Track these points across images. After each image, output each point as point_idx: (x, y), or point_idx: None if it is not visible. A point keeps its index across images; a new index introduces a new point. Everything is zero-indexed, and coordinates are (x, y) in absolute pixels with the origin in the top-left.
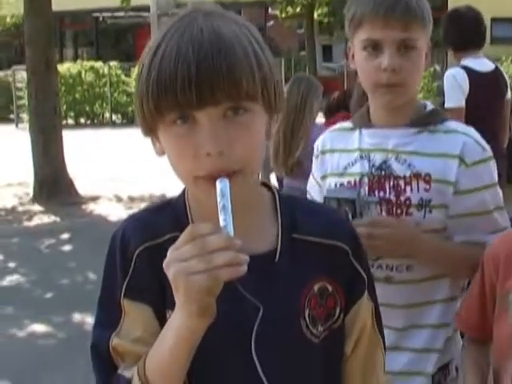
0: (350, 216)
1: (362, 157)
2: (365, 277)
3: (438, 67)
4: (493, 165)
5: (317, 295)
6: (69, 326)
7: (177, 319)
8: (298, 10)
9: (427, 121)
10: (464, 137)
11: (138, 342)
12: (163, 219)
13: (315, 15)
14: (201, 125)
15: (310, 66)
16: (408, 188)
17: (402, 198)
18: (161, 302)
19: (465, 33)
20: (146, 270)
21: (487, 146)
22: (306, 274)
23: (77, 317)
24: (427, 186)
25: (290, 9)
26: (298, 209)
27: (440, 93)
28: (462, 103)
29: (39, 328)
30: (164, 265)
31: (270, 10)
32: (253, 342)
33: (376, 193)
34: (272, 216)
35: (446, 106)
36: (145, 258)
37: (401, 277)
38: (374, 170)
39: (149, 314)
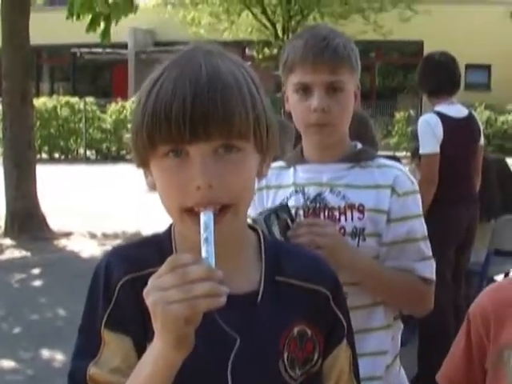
0: (289, 221)
1: (296, 191)
2: (344, 323)
3: (412, 112)
4: (419, 198)
5: (296, 338)
6: (37, 363)
7: (154, 349)
8: (275, 51)
9: (358, 158)
10: (396, 170)
11: (115, 372)
12: (148, 253)
13: (281, 55)
14: (192, 159)
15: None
16: (342, 217)
17: (337, 227)
18: (141, 334)
19: (439, 79)
20: (129, 301)
21: (415, 181)
22: (287, 316)
23: (45, 353)
24: (361, 216)
25: (266, 50)
26: (282, 252)
27: (414, 137)
28: (437, 149)
29: (6, 364)
30: (144, 293)
31: (247, 50)
32: (229, 374)
33: None
34: (256, 257)
35: (420, 151)
36: (128, 289)
37: None
38: (309, 203)
39: (128, 346)
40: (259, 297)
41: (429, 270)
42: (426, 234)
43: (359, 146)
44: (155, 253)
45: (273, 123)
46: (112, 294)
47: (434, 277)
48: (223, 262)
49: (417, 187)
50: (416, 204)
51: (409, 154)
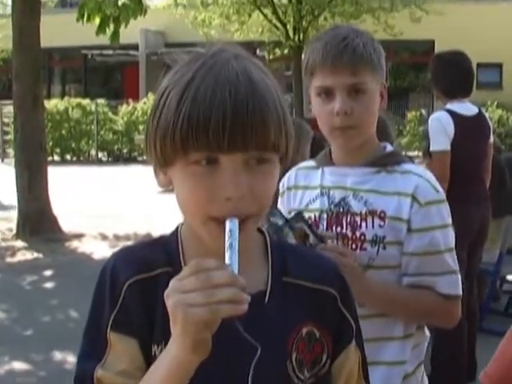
0: (306, 229)
1: (322, 193)
2: (353, 324)
3: (424, 111)
4: (445, 208)
5: (305, 339)
6: (49, 364)
7: (171, 351)
8: (286, 51)
9: (384, 162)
10: (418, 178)
11: (122, 374)
12: (155, 254)
13: (303, 57)
14: (223, 168)
15: (297, 108)
16: (363, 224)
17: (358, 233)
18: (148, 336)
19: (459, 80)
20: (135, 303)
21: (441, 189)
22: (295, 317)
23: (57, 355)
24: (382, 223)
25: (277, 51)
26: (289, 253)
27: (426, 137)
28: (448, 146)
29: (19, 365)
30: (165, 295)
31: (257, 51)
32: (250, 380)
33: (334, 228)
34: (263, 259)
35: (431, 149)
36: (134, 291)
37: None
38: (332, 207)
39: (135, 348)
40: (266, 297)
41: (451, 285)
42: (453, 245)
43: (389, 148)
44: (162, 254)
45: (292, 132)
46: (118, 296)
47: (458, 292)
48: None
49: (442, 196)
50: (440, 214)
51: (421, 153)
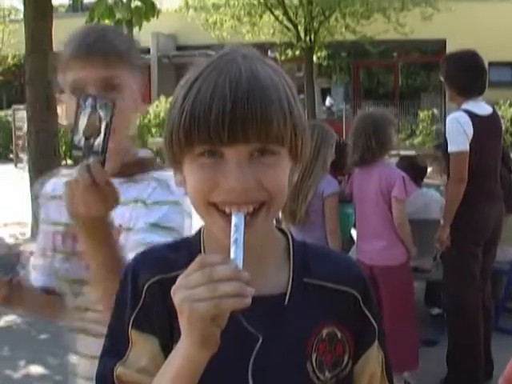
0: None
1: None
2: (375, 326)
3: (436, 111)
4: (175, 209)
5: (325, 340)
6: (65, 368)
7: (180, 348)
8: (298, 53)
9: (134, 171)
10: (154, 182)
11: (142, 372)
12: (177, 255)
13: (314, 58)
14: (227, 160)
15: (308, 109)
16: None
17: None
18: (168, 335)
19: (473, 80)
20: (156, 302)
21: (178, 192)
22: (316, 318)
23: (74, 358)
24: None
25: (289, 52)
26: (311, 254)
27: (439, 136)
28: (466, 147)
29: (35, 369)
30: (172, 291)
31: (269, 52)
32: (249, 374)
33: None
34: (284, 259)
35: (449, 149)
36: (155, 290)
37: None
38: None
39: (155, 346)
40: (287, 298)
41: None
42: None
43: (142, 154)
44: (184, 255)
45: (306, 132)
46: (139, 295)
47: None
48: (252, 264)
49: (175, 197)
50: (162, 212)
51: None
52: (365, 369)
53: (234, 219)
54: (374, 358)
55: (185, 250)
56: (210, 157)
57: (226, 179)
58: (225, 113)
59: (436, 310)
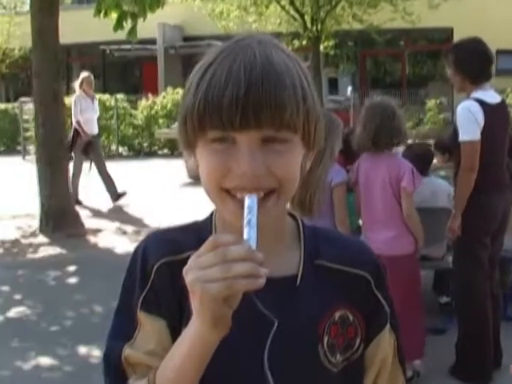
0: None
1: None
2: (387, 309)
3: (444, 99)
4: None
5: (337, 323)
6: (74, 359)
7: (191, 328)
8: (304, 42)
9: None
10: None
11: (150, 354)
12: (187, 237)
13: (321, 48)
14: (239, 146)
15: None
16: None
17: None
18: (177, 318)
19: (481, 68)
20: (165, 284)
21: None
22: (328, 300)
23: (82, 350)
24: None
25: (296, 42)
26: (322, 237)
27: (447, 124)
28: (478, 136)
29: (44, 361)
30: (183, 271)
31: None
32: (265, 357)
33: None
34: (295, 242)
35: (460, 138)
36: (164, 272)
37: None
38: None
39: (163, 328)
40: (298, 280)
41: None
42: None
43: None
44: (193, 238)
45: (320, 119)
46: (148, 277)
47: None
48: (263, 247)
49: None
50: None
51: None
52: (376, 352)
53: (247, 201)
54: (385, 341)
55: (194, 233)
56: (223, 142)
57: (237, 164)
58: (238, 98)
59: (444, 299)
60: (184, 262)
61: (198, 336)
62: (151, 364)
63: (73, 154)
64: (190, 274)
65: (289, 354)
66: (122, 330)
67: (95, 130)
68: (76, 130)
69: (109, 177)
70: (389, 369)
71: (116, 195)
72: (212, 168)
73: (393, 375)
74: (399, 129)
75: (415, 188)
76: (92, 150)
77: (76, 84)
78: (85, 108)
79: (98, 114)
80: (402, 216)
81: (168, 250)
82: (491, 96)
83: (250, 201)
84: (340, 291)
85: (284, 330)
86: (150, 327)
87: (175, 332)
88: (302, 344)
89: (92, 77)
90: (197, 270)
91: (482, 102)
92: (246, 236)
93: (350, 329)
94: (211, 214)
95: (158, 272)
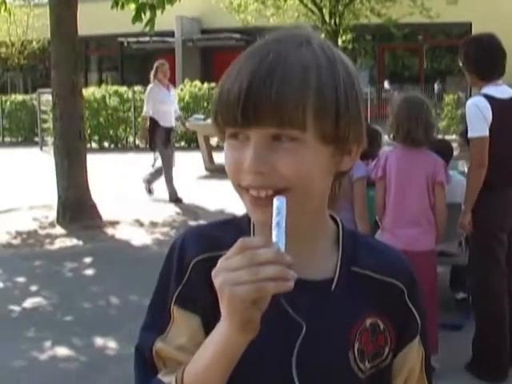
0: None
1: None
2: (419, 320)
3: (461, 94)
4: None
5: (368, 330)
6: (90, 350)
7: (219, 330)
8: (322, 36)
9: None
10: None
11: (181, 349)
12: (225, 234)
13: (339, 42)
14: (249, 142)
15: None
16: None
17: None
18: (211, 314)
19: (494, 63)
20: (201, 280)
21: None
22: (361, 307)
23: (98, 341)
24: None
25: (314, 31)
26: (360, 243)
27: (463, 120)
28: (486, 132)
29: (61, 351)
30: (212, 274)
31: None
32: (293, 361)
33: None
34: (333, 247)
35: (469, 135)
36: (201, 268)
37: None
38: None
39: (197, 324)
40: (333, 284)
41: None
42: None
43: None
44: (232, 234)
45: (352, 117)
46: (185, 272)
47: None
48: (297, 248)
49: None
50: None
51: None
52: (404, 363)
53: (275, 202)
54: (414, 352)
55: (234, 229)
56: (236, 139)
57: (245, 161)
58: (240, 95)
59: (461, 295)
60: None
61: (225, 338)
62: (181, 359)
63: (155, 152)
64: (218, 277)
65: (318, 358)
66: (156, 322)
67: (173, 123)
68: (153, 123)
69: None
70: (415, 381)
71: (175, 196)
72: (228, 164)
73: None
74: (434, 124)
75: (448, 182)
76: (169, 143)
77: (151, 73)
78: (161, 99)
79: (175, 105)
80: (431, 212)
81: (206, 246)
82: (502, 91)
83: (278, 202)
84: (373, 299)
85: (314, 334)
86: (183, 323)
87: (209, 328)
88: (332, 348)
89: (167, 65)
90: (225, 273)
91: (490, 98)
92: (274, 238)
93: (380, 337)
94: None
95: (194, 268)
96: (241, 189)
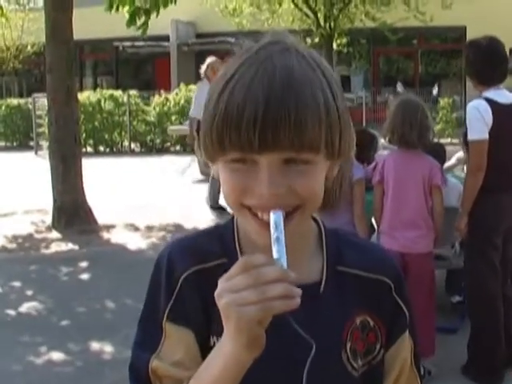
0: None
1: None
2: (407, 314)
3: (456, 98)
4: None
5: (359, 328)
6: (86, 354)
7: (224, 348)
8: (317, 40)
9: None
10: None
11: (177, 365)
12: (211, 245)
13: (334, 46)
14: (260, 167)
15: None
16: None
17: None
18: (204, 328)
19: (494, 67)
20: (192, 294)
21: None
22: (350, 306)
23: (94, 345)
24: None
25: (308, 39)
26: (343, 242)
27: (460, 124)
28: (485, 135)
29: (56, 356)
30: (216, 295)
31: None
32: (304, 378)
33: None
34: (317, 248)
35: (469, 138)
36: (191, 282)
37: None
38: None
39: (190, 339)
40: (322, 286)
41: None
42: None
43: None
44: (217, 245)
45: (347, 127)
46: (175, 286)
47: None
48: (290, 256)
49: None
50: None
51: (453, 140)
52: (396, 357)
53: (272, 216)
54: (405, 346)
55: (217, 240)
56: (243, 163)
57: (258, 185)
58: (256, 119)
59: (457, 298)
60: (210, 271)
61: (231, 357)
62: (178, 375)
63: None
64: (223, 298)
65: (319, 361)
66: (148, 339)
67: None
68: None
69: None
70: (407, 374)
71: (216, 203)
72: (232, 186)
73: (409, 380)
74: (429, 127)
75: (445, 186)
76: None
77: (201, 70)
78: None
79: None
80: (428, 214)
81: (193, 259)
82: (503, 95)
83: (275, 216)
84: (361, 296)
85: (315, 341)
86: (176, 338)
87: (202, 342)
88: (329, 349)
89: (219, 62)
90: (230, 294)
91: (491, 101)
92: (275, 255)
93: (371, 334)
94: (232, 220)
95: (185, 282)
96: (244, 210)
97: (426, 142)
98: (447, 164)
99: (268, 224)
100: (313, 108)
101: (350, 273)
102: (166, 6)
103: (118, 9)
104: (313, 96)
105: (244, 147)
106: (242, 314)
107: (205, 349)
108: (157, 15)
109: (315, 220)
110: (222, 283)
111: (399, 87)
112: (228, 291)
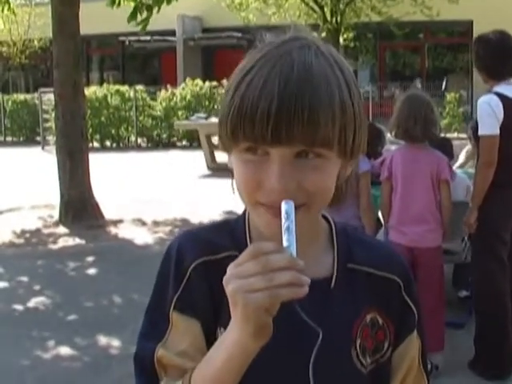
0: None
1: None
2: (415, 313)
3: (463, 92)
4: None
5: (368, 326)
6: (94, 349)
7: (231, 336)
8: (323, 34)
9: None
10: None
11: (182, 355)
12: (221, 237)
13: (340, 40)
14: (271, 160)
15: None
16: None
17: None
18: (211, 319)
19: (505, 61)
20: (200, 284)
21: None
22: (360, 303)
23: (102, 340)
24: None
25: (315, 34)
26: (354, 240)
27: (466, 118)
28: (497, 130)
29: (64, 350)
30: (224, 281)
31: None
32: (311, 367)
33: None
34: (328, 245)
35: (479, 133)
36: (200, 272)
37: None
38: None
39: (197, 329)
40: (332, 283)
41: None
42: None
43: None
44: (228, 237)
45: (362, 125)
46: (183, 276)
47: None
48: (300, 249)
49: None
50: None
51: (460, 135)
52: (404, 356)
53: (283, 206)
54: (413, 345)
55: (228, 233)
56: (255, 153)
57: (268, 179)
58: (270, 112)
59: (464, 293)
60: (219, 262)
61: (238, 345)
62: (183, 365)
63: None
64: (230, 284)
65: (327, 356)
66: (154, 329)
67: None
68: None
69: None
70: (414, 373)
71: None
72: (244, 180)
73: (416, 379)
74: (435, 121)
75: (453, 180)
76: None
77: None
78: None
79: None
80: (436, 209)
81: (203, 250)
82: None
83: (286, 206)
84: (370, 294)
85: (323, 334)
86: (183, 328)
87: (209, 332)
88: (337, 346)
89: None
90: (238, 280)
91: (502, 96)
92: (285, 243)
93: (380, 332)
94: (243, 214)
95: (193, 272)
96: (257, 205)
97: (432, 136)
98: (458, 162)
99: (279, 215)
100: (327, 105)
101: (361, 270)
102: (169, 2)
103: (119, 4)
104: (329, 93)
105: (257, 140)
106: (248, 301)
107: (211, 340)
108: (158, 10)
109: (325, 218)
110: (231, 269)
111: (418, 83)
112: (236, 277)
